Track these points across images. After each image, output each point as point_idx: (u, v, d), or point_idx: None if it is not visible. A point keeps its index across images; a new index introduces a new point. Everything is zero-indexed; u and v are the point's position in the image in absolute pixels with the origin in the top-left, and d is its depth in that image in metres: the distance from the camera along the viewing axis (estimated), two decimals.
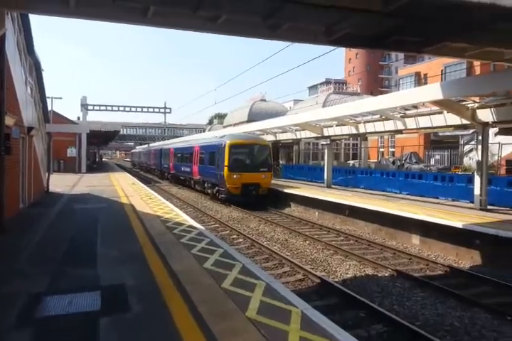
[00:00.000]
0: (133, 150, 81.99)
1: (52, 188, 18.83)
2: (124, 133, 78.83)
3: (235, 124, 48.36)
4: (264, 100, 58.59)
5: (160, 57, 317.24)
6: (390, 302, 7.26)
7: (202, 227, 9.98)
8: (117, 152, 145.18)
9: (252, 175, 18.95)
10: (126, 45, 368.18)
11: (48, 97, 27.98)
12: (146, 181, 33.78)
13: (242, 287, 5.41)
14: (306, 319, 4.49)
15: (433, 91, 12.77)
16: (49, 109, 28.59)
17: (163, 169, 37.61)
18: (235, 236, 12.75)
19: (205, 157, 22.43)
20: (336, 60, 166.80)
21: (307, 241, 12.02)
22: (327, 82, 63.47)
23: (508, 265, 9.22)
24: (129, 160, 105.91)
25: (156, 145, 53.54)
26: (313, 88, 71.66)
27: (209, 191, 22.08)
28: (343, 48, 60.96)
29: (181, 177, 29.40)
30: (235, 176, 18.64)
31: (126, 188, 20.22)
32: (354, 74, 74.15)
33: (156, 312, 4.64)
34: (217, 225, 14.64)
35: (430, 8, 9.41)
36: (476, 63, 28.92)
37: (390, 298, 7.52)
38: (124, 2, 8.01)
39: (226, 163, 18.87)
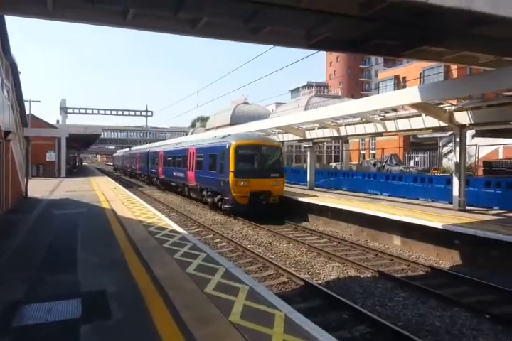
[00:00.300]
0: (115, 154, 78.31)
1: (30, 193, 18.40)
2: (105, 136, 77.81)
3: (218, 127, 48.33)
4: (247, 103, 58.83)
5: (140, 59, 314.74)
6: (373, 303, 7.34)
7: (185, 232, 9.90)
8: (98, 156, 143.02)
9: (262, 181, 16.35)
10: (107, 46, 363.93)
11: (26, 101, 27.40)
12: (128, 185, 33.36)
13: (225, 291, 5.38)
14: (290, 322, 4.50)
15: (411, 94, 13.02)
16: (27, 112, 28.01)
17: (150, 174, 34.69)
18: (218, 240, 12.69)
19: (204, 161, 19.60)
20: (318, 63, 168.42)
21: (291, 244, 12.05)
22: (309, 85, 64.10)
23: (487, 264, 9.44)
24: (110, 164, 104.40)
25: (142, 147, 51.05)
26: (295, 91, 72.24)
27: (209, 200, 19.10)
28: (324, 52, 61.66)
29: (172, 184, 26.48)
30: (242, 183, 15.97)
31: (107, 193, 19.91)
32: (335, 77, 75.02)
33: (138, 319, 4.58)
34: (201, 229, 14.54)
35: (406, 12, 9.61)
36: (454, 67, 29.67)
37: (373, 298, 7.59)
38: (103, 4, 7.93)
39: (232, 167, 16.16)
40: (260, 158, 16.81)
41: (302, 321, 4.59)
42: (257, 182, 16.26)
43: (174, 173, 25.33)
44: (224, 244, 12.22)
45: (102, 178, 35.49)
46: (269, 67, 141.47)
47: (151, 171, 34.22)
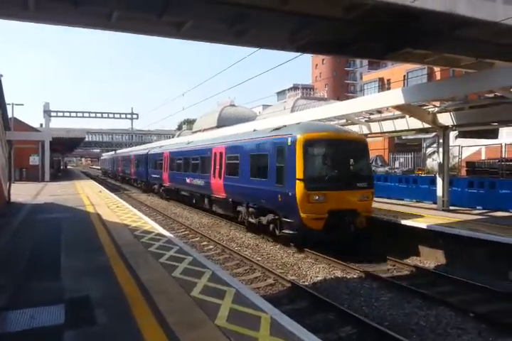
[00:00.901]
0: (104, 156, 72.97)
1: (14, 198, 18.05)
2: (90, 139, 76.89)
3: (204, 130, 48.20)
4: (234, 105, 58.88)
5: (127, 62, 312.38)
6: (359, 304, 7.39)
7: (171, 235, 9.84)
8: (83, 159, 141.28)
9: (345, 194, 11.06)
10: (94, 49, 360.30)
11: (9, 104, 26.93)
12: (114, 189, 33.01)
13: (211, 295, 5.36)
14: (276, 324, 4.50)
15: (395, 96, 13.20)
16: (9, 116, 27.53)
17: (150, 180, 29.02)
18: (205, 243, 12.64)
19: (242, 164, 14.03)
20: (305, 66, 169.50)
21: (278, 245, 12.07)
22: (295, 88, 64.52)
23: (470, 263, 9.60)
24: (96, 167, 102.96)
25: (138, 149, 45.43)
26: (281, 93, 72.64)
27: (250, 220, 13.52)
28: (310, 54, 62.09)
29: (184, 193, 21.22)
30: (316, 198, 10.61)
31: (92, 197, 19.67)
32: (321, 79, 75.60)
33: (123, 324, 4.53)
34: (187, 232, 14.47)
35: (389, 15, 9.75)
36: (437, 69, 30.23)
37: (359, 299, 7.65)
38: (87, 6, 7.86)
39: (299, 173, 10.75)
40: (342, 159, 11.65)
41: (288, 323, 4.60)
42: (338, 196, 10.88)
43: (188, 180, 19.89)
44: (211, 246, 12.18)
45: (87, 182, 35.06)
46: (257, 69, 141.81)
47: (150, 176, 28.80)
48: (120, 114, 55.73)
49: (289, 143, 11.30)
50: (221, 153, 15.95)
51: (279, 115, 30.10)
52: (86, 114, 51.27)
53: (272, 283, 8.57)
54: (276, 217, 11.92)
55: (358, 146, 12.01)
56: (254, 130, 15.81)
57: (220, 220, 16.71)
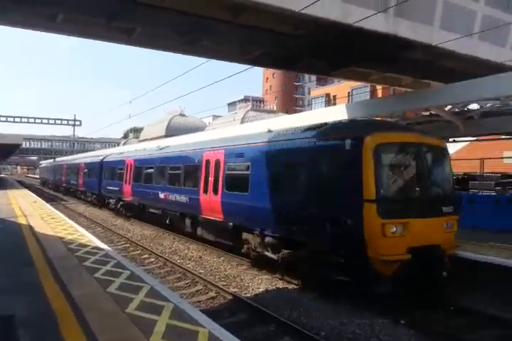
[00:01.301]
0: (44, 164, 65.09)
1: None
2: (27, 146, 72.40)
3: (152, 139, 47.22)
4: (183, 115, 58.36)
5: (70, 67, 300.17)
6: (298, 314, 7.46)
7: (109, 248, 9.45)
8: (18, 167, 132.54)
9: (430, 223, 7.86)
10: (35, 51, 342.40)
11: None
12: (50, 199, 31.16)
13: (148, 310, 5.18)
14: (213, 338, 4.44)
15: (340, 111, 13.85)
16: None
17: (104, 193, 24.20)
18: (146, 256, 12.25)
19: (256, 175, 10.34)
20: (257, 78, 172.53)
21: (221, 258, 11.96)
22: (246, 99, 65.33)
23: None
24: (33, 176, 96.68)
25: (88, 155, 40.04)
26: (232, 104, 73.22)
27: (271, 255, 9.71)
28: (262, 68, 63.14)
29: (153, 211, 17.00)
30: (394, 229, 7.38)
31: (25, 207, 18.42)
32: (271, 92, 77.17)
33: None
34: (128, 245, 13.95)
35: (336, 34, 10.22)
36: (379, 87, 32.02)
37: (299, 310, 7.73)
38: (30, 6, 7.50)
39: (369, 192, 7.48)
40: (424, 173, 8.26)
41: (226, 337, 4.56)
42: (422, 227, 7.65)
43: (161, 195, 15.69)
44: (152, 259, 11.83)
45: (22, 191, 32.82)
46: (209, 79, 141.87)
47: (105, 189, 23.89)
48: (62, 120, 53.32)
49: (347, 148, 7.80)
50: (218, 161, 11.96)
51: (229, 126, 30.20)
52: (24, 119, 48.41)
53: (214, 296, 8.46)
54: (321, 253, 8.16)
55: (441, 154, 8.91)
56: (269, 130, 11.25)
57: (163, 232, 16.27)
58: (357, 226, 7.39)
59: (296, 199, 8.84)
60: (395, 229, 7.34)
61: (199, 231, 13.19)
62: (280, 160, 9.67)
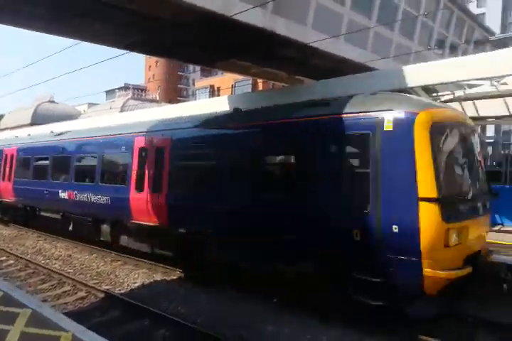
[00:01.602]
0: None
1: None
2: None
3: (13, 128, 41.68)
4: (53, 101, 52.77)
5: None
6: (176, 305, 7.33)
7: None
8: None
9: (480, 225, 6.47)
10: None
11: None
12: None
13: None
14: None
15: (223, 102, 14.07)
16: None
17: None
18: (4, 258, 10.82)
19: (220, 169, 8.03)
20: (139, 66, 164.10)
21: (94, 255, 11.14)
22: (126, 87, 61.77)
23: None
24: None
25: None
26: (111, 92, 68.55)
27: (290, 268, 7.02)
28: (144, 55, 60.45)
29: (48, 215, 13.56)
30: (454, 237, 5.60)
31: None
32: (154, 81, 74.40)
33: None
34: None
35: (217, 26, 10.23)
36: (260, 80, 33.27)
37: (177, 300, 7.59)
38: None
39: (426, 187, 5.51)
40: (474, 161, 6.84)
41: (92, 338, 4.26)
42: (474, 229, 6.18)
43: (64, 194, 12.25)
44: (11, 261, 10.52)
45: None
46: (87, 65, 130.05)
47: None
48: None
49: (387, 127, 5.78)
50: (160, 150, 9.32)
51: (106, 114, 28.28)
52: None
53: (84, 296, 7.85)
54: (348, 271, 6.11)
55: (479, 139, 7.23)
56: (237, 109, 9.19)
57: (26, 231, 14.49)
58: (409, 232, 5.50)
59: (301, 199, 6.60)
60: (455, 236, 5.63)
61: (124, 240, 10.44)
62: (274, 147, 7.30)
